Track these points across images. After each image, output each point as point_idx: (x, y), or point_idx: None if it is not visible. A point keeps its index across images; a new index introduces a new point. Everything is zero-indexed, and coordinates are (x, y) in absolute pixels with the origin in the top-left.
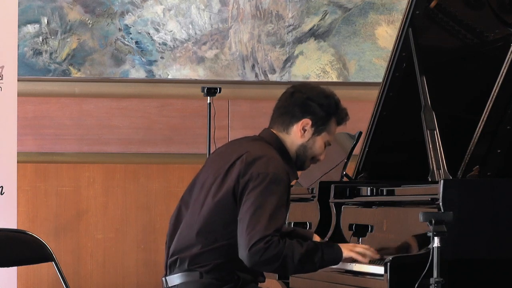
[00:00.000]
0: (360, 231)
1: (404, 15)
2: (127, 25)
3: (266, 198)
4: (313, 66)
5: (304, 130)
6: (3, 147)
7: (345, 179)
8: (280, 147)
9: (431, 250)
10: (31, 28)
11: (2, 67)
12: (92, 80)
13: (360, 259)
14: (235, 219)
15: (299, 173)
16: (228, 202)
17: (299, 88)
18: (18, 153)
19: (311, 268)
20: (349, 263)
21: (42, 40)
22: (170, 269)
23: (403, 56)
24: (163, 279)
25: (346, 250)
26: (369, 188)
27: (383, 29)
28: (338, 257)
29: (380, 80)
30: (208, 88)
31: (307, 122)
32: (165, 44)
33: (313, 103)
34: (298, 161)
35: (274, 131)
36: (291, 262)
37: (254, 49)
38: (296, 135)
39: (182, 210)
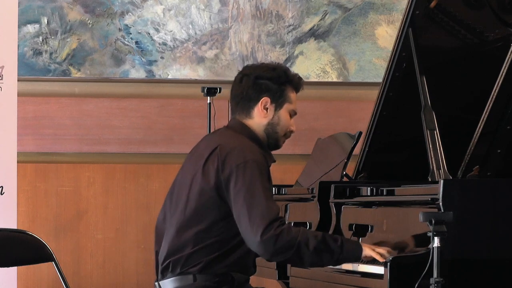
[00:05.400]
0: (360, 231)
1: (404, 15)
2: (127, 25)
3: (253, 185)
4: (313, 66)
5: (266, 109)
6: (3, 147)
7: (345, 179)
8: (249, 133)
9: (431, 250)
10: (31, 28)
11: (2, 67)
12: (92, 80)
13: (379, 258)
14: (225, 215)
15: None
16: (213, 199)
17: (244, 71)
18: (18, 153)
19: (328, 259)
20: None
21: (42, 40)
22: (162, 274)
23: (403, 56)
24: (156, 283)
25: (368, 248)
26: (369, 188)
27: (383, 29)
28: (358, 250)
29: (380, 80)
30: (208, 88)
31: (266, 100)
32: (165, 44)
33: (263, 80)
34: (271, 140)
35: (239, 119)
36: (306, 249)
37: (254, 49)
38: (260, 116)
39: (166, 215)
